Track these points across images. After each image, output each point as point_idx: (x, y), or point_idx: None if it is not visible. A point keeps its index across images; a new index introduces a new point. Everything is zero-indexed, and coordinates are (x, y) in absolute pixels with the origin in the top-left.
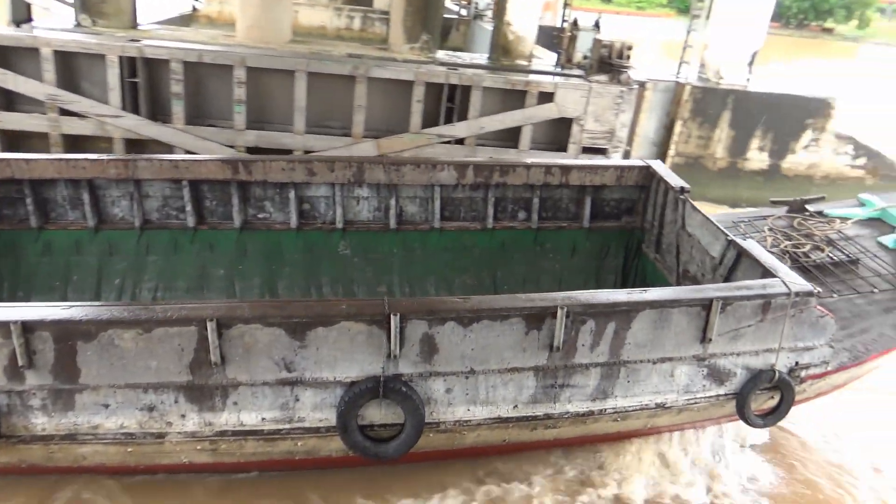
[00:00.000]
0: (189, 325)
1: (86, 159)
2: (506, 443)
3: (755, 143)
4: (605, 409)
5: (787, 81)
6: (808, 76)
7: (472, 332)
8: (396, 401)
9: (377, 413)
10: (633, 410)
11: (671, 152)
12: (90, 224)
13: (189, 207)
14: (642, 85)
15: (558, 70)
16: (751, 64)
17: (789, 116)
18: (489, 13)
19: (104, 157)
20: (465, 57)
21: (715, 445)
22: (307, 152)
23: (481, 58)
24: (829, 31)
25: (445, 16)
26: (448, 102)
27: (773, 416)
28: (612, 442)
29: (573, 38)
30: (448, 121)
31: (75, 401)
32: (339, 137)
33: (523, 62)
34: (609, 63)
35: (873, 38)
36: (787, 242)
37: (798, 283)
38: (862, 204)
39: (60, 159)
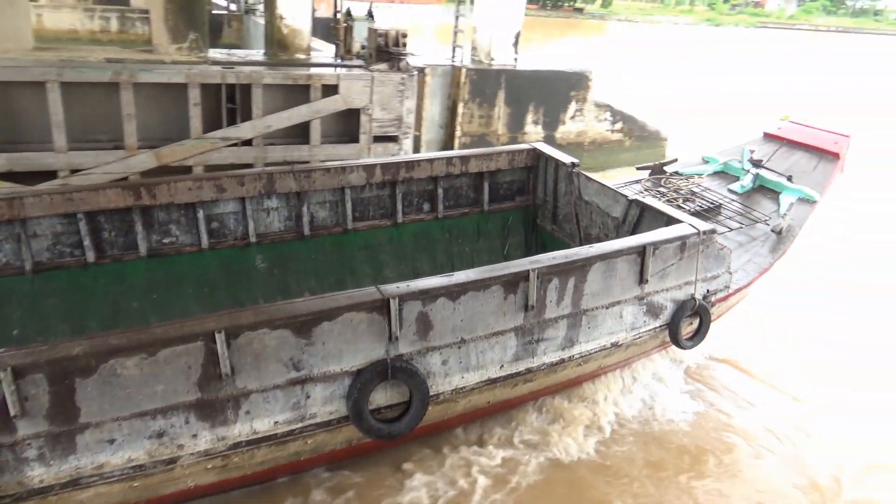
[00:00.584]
0: (196, 341)
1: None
2: (489, 404)
3: (530, 117)
4: (573, 356)
5: (551, 58)
6: (567, 52)
7: (460, 304)
8: (403, 380)
9: (383, 396)
10: (594, 353)
11: (458, 133)
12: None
13: (87, 242)
14: (422, 71)
15: (339, 62)
16: (515, 44)
17: (555, 90)
18: (261, 7)
19: None
20: (240, 54)
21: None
22: (75, 171)
23: (258, 54)
24: (580, 10)
25: (214, 12)
26: (229, 103)
27: (696, 337)
28: (571, 388)
29: (349, 29)
30: (232, 122)
31: (76, 442)
32: (111, 151)
33: (302, 56)
34: (387, 51)
35: (615, 14)
36: (663, 198)
37: (702, 224)
38: (706, 162)
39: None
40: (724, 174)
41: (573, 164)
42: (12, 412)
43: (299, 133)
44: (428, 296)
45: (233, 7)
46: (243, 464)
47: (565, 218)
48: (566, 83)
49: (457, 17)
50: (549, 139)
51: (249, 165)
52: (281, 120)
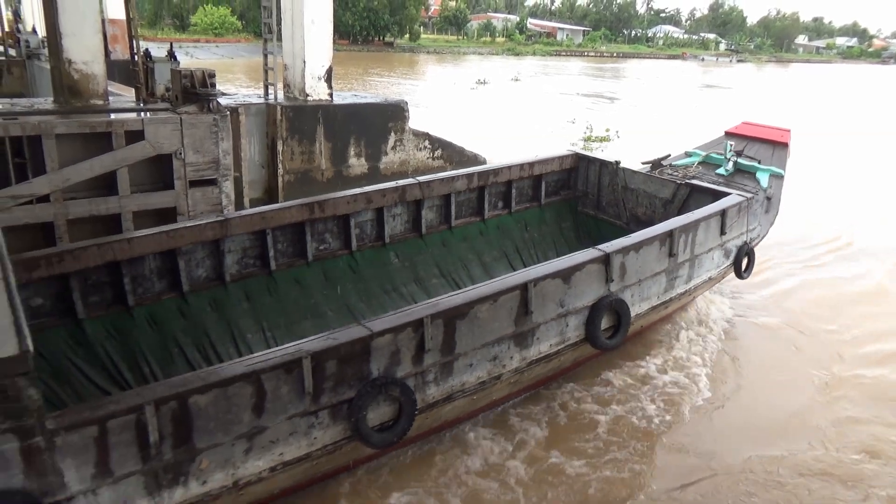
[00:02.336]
0: (515, 292)
1: (184, 227)
2: (653, 322)
3: (352, 150)
4: (689, 288)
5: (367, 91)
6: (383, 85)
7: (641, 253)
8: (618, 308)
9: (605, 321)
10: (701, 284)
11: (280, 171)
12: (186, 289)
13: (272, 253)
14: (235, 111)
15: (142, 106)
16: (328, 80)
17: (374, 123)
18: (45, 51)
19: (198, 222)
20: (23, 103)
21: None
22: None
23: (46, 102)
24: (390, 44)
25: None
26: (17, 158)
27: (748, 270)
28: (678, 313)
29: (150, 71)
30: (22, 178)
31: (453, 368)
32: None
33: (98, 101)
34: (195, 92)
35: (424, 47)
36: None
37: (744, 193)
38: (689, 155)
39: (159, 233)
40: (706, 163)
41: (616, 163)
42: (427, 347)
43: (105, 184)
44: (629, 249)
45: (12, 52)
46: (526, 378)
47: (609, 204)
48: (383, 115)
49: (265, 56)
50: (374, 170)
51: (50, 224)
52: (81, 171)
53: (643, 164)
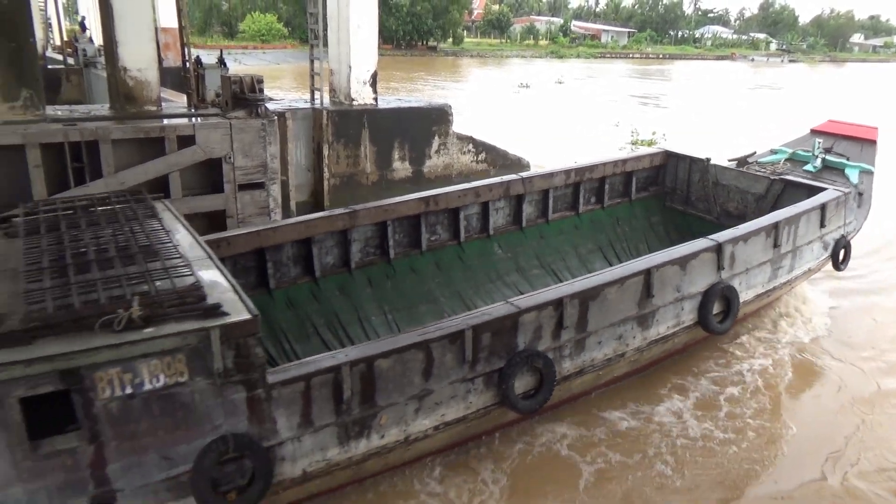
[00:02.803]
0: (640, 276)
1: (318, 218)
2: (759, 309)
3: (396, 154)
4: (790, 279)
5: (411, 95)
6: (427, 89)
7: (749, 244)
8: (728, 295)
9: (716, 307)
10: (801, 275)
11: (326, 174)
12: (318, 274)
13: (391, 242)
14: (282, 116)
15: (193, 111)
16: (374, 84)
17: (418, 127)
18: (102, 59)
19: (330, 213)
20: (82, 110)
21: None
22: None
23: (102, 108)
24: (433, 48)
25: (50, 66)
26: (75, 162)
27: (844, 262)
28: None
29: (200, 78)
30: (80, 182)
31: (584, 344)
32: None
33: (152, 107)
34: (244, 98)
35: (467, 50)
36: None
37: (841, 189)
38: (775, 152)
39: (297, 223)
40: (793, 160)
41: (707, 159)
42: (565, 324)
43: (158, 187)
44: (739, 239)
45: (71, 61)
46: (644, 357)
47: (698, 199)
48: (427, 119)
49: (312, 61)
50: (418, 174)
51: None
52: (136, 175)
53: (729, 161)
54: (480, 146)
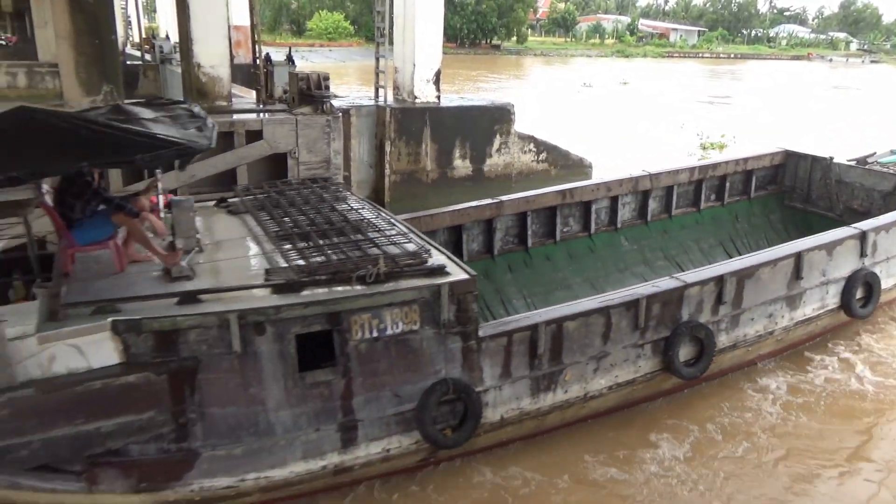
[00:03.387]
0: (789, 260)
1: (469, 207)
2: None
3: (457, 152)
4: None
5: (473, 94)
6: (489, 88)
7: (889, 234)
8: (870, 281)
9: (858, 292)
10: None
11: (387, 171)
12: (465, 259)
13: (529, 232)
14: (346, 112)
15: (261, 107)
16: (437, 82)
17: (479, 125)
18: (177, 56)
19: (479, 203)
20: None
21: None
22: None
23: None
24: (496, 47)
25: (129, 62)
26: None
27: None
28: None
29: (269, 74)
30: (151, 174)
31: (739, 320)
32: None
33: (223, 103)
34: (310, 94)
35: (531, 49)
36: None
37: None
38: (895, 152)
39: (451, 211)
40: None
41: (830, 158)
42: (724, 300)
43: (226, 180)
44: (881, 228)
45: (148, 57)
46: (789, 337)
47: (819, 198)
48: (489, 118)
49: (377, 59)
50: (478, 172)
51: None
52: (206, 168)
53: (848, 161)
54: (542, 146)
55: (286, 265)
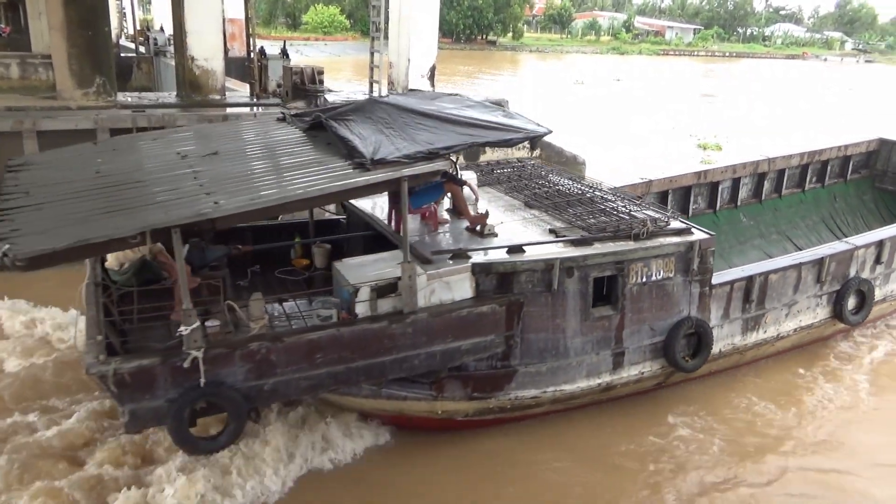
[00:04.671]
0: None
1: (720, 168)
2: None
3: None
4: None
5: (468, 89)
6: (484, 83)
7: None
8: None
9: None
10: None
11: None
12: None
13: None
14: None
15: (255, 101)
16: (431, 78)
17: None
18: (171, 49)
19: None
20: (151, 97)
21: None
22: None
23: (170, 96)
24: (492, 42)
25: (122, 55)
26: None
27: None
28: None
29: (264, 68)
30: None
31: (889, 278)
32: None
33: (216, 96)
34: (304, 89)
35: (527, 46)
36: None
37: None
38: None
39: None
40: None
41: None
42: (881, 259)
43: None
44: None
45: (142, 49)
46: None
47: None
48: None
49: (372, 54)
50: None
51: None
52: None
53: None
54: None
55: (570, 226)
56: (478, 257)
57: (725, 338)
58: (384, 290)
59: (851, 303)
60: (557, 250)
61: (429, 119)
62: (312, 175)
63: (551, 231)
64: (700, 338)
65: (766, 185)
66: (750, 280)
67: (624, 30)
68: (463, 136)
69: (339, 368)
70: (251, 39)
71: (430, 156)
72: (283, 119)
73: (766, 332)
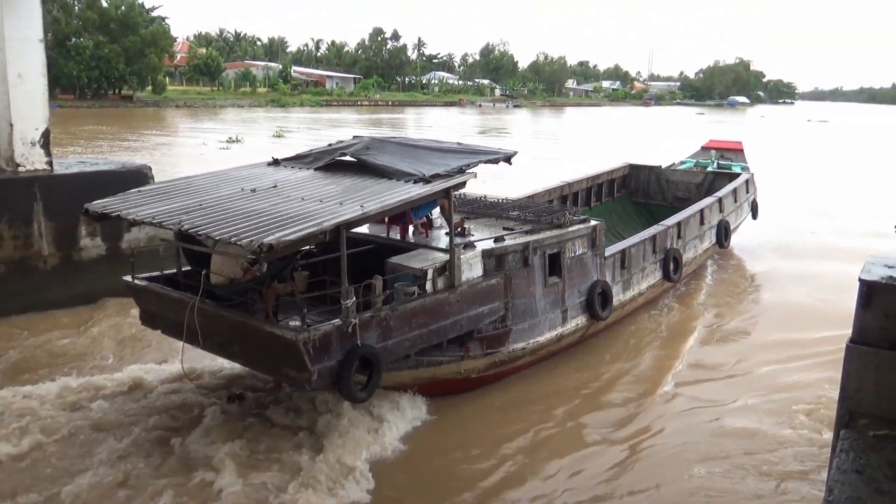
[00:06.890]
0: (696, 215)
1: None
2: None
3: (84, 229)
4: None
5: (100, 156)
6: (121, 148)
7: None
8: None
9: (671, 266)
10: (737, 227)
11: None
12: None
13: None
14: None
15: None
16: (45, 145)
17: (110, 194)
18: None
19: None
20: None
21: None
22: None
23: None
24: (128, 98)
25: None
26: None
27: (756, 215)
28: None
29: None
30: None
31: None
32: None
33: None
34: None
35: (172, 100)
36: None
37: (750, 172)
38: (683, 162)
39: None
40: (698, 165)
41: (659, 166)
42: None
43: None
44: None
45: None
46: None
47: (655, 193)
48: (122, 184)
49: None
50: (115, 250)
51: None
52: None
53: (665, 167)
54: None
55: (519, 222)
56: (480, 246)
57: (617, 294)
58: (440, 270)
59: (672, 266)
60: (523, 238)
61: (428, 150)
62: (383, 193)
63: (505, 228)
64: (605, 295)
65: (568, 203)
66: (623, 252)
67: (281, 80)
68: (465, 158)
69: (423, 331)
70: None
71: (460, 171)
72: (276, 163)
73: (635, 290)
